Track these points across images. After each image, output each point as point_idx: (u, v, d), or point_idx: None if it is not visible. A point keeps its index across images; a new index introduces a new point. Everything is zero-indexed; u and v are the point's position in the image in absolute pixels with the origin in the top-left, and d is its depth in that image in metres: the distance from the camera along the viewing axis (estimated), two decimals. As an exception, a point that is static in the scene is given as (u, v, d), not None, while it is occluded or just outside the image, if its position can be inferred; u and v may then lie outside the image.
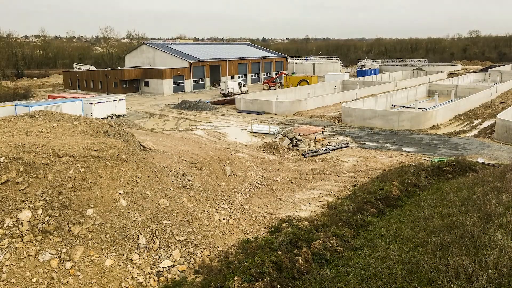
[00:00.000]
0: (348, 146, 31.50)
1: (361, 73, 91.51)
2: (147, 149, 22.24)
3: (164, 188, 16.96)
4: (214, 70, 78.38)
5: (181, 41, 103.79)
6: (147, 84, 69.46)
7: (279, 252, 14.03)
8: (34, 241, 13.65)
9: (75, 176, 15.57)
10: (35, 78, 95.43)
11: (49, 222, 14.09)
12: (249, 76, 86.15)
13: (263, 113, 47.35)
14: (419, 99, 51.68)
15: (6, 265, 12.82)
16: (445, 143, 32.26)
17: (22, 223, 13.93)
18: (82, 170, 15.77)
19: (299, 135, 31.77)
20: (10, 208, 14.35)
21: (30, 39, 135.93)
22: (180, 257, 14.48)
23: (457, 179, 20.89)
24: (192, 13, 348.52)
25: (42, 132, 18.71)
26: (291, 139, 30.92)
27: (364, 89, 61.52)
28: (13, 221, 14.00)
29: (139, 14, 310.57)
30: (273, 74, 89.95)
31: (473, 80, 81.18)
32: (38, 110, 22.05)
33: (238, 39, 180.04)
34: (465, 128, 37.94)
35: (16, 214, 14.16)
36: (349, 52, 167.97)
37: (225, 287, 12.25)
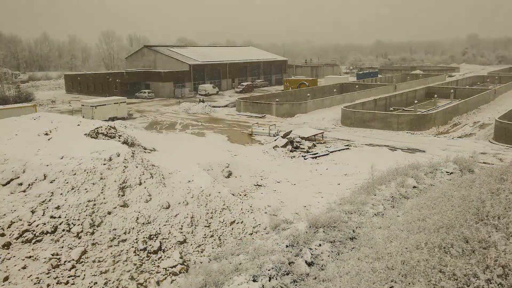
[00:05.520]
0: (348, 148, 31.65)
1: (360, 75, 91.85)
2: (148, 151, 22.38)
3: (165, 190, 17.09)
4: (215, 73, 78.65)
5: (181, 44, 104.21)
6: (148, 86, 69.69)
7: (279, 253, 14.13)
8: (35, 241, 13.77)
9: (76, 177, 15.72)
10: (36, 81, 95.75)
11: (50, 223, 14.21)
12: (249, 79, 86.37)
13: (264, 115, 47.54)
14: (418, 102, 51.87)
15: (7, 266, 12.94)
16: (444, 145, 32.40)
17: (23, 224, 14.06)
18: (83, 171, 15.92)
19: (299, 137, 31.92)
20: (11, 208, 14.49)
21: (32, 41, 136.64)
22: (180, 258, 14.59)
23: (456, 180, 21.01)
24: (193, 15, 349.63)
25: (44, 134, 18.86)
26: (291, 141, 31.06)
27: (364, 92, 61.73)
28: (14, 221, 14.13)
29: (140, 17, 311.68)
30: (273, 77, 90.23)
31: (472, 83, 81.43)
32: (40, 113, 22.22)
33: (239, 42, 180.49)
34: (464, 130, 38.09)
35: (17, 215, 14.29)
36: (349, 55, 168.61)
37: None
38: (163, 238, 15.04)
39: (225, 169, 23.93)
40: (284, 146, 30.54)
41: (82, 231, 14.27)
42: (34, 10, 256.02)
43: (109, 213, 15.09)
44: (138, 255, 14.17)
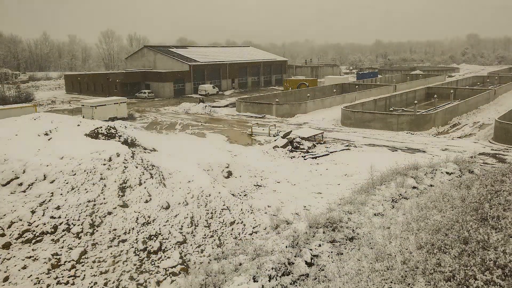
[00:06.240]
0: (348, 149, 31.67)
1: (360, 76, 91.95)
2: (148, 151, 22.40)
3: (165, 190, 17.11)
4: (215, 73, 78.70)
5: (181, 44, 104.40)
6: (148, 87, 69.74)
7: (279, 253, 14.15)
8: (35, 242, 13.79)
9: (76, 177, 15.74)
10: (36, 81, 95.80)
11: (50, 223, 14.23)
12: (249, 79, 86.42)
13: (264, 115, 47.57)
14: (418, 102, 51.91)
15: (7, 266, 12.96)
16: (444, 145, 32.43)
17: (23, 224, 14.08)
18: (83, 171, 15.94)
19: (299, 138, 31.94)
20: (11, 209, 14.51)
21: (32, 41, 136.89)
22: (180, 258, 14.62)
23: (456, 180, 21.04)
24: (193, 16, 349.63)
25: (44, 134, 18.88)
26: (291, 142, 31.08)
27: (363, 92, 61.78)
28: (14, 222, 14.15)
29: (140, 17, 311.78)
30: (273, 77, 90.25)
31: (471, 83, 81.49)
32: (41, 113, 22.25)
33: (239, 42, 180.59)
34: (463, 130, 38.12)
35: (17, 215, 14.31)
36: (348, 55, 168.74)
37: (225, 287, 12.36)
38: (163, 238, 15.05)
39: (225, 169, 23.95)
40: (284, 146, 30.56)
41: (82, 231, 14.29)
42: (34, 10, 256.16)
43: (109, 213, 15.11)
44: (138, 255, 14.19)
